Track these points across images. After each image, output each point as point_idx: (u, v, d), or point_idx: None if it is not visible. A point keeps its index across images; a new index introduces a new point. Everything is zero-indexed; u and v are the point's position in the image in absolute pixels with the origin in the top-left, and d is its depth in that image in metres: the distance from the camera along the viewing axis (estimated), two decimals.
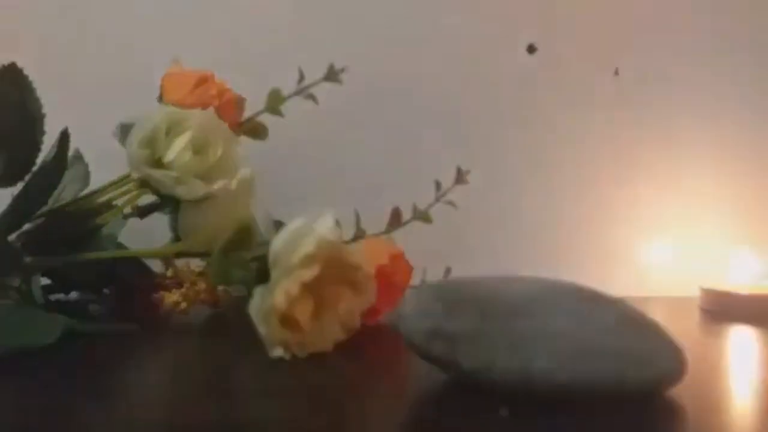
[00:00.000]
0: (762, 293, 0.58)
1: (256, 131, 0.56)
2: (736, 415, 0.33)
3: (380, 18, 0.68)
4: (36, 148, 0.48)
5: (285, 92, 0.56)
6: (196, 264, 0.53)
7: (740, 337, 0.51)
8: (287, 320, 0.40)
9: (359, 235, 0.54)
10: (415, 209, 0.56)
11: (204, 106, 0.51)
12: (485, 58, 0.68)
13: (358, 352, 0.44)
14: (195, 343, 0.50)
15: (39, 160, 0.48)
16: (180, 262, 0.53)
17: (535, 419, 0.31)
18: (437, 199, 0.56)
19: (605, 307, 0.35)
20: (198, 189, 0.49)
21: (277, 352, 0.40)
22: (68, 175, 0.51)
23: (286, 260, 0.40)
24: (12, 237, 0.48)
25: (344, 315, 0.43)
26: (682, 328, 0.52)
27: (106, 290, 0.54)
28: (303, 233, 0.41)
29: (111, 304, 0.54)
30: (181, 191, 0.48)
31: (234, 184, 0.50)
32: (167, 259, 0.53)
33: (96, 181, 0.53)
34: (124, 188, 0.51)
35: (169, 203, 0.51)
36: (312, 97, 0.56)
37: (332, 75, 0.56)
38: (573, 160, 0.69)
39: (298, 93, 0.56)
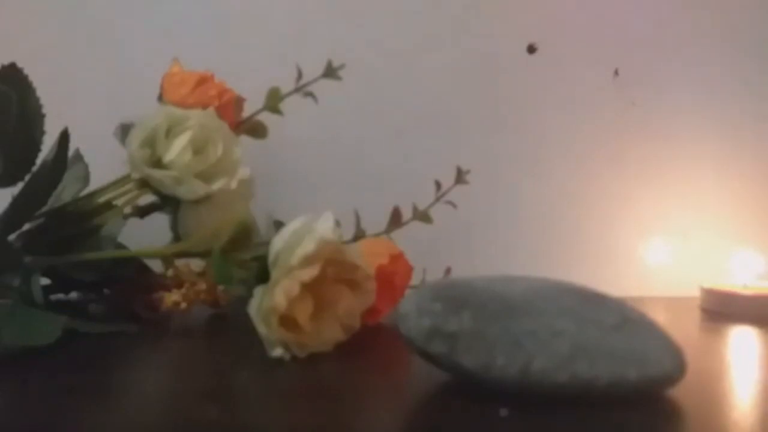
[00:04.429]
0: (762, 293, 0.58)
1: (256, 130, 0.56)
2: (735, 415, 0.33)
3: (380, 17, 0.68)
4: (36, 148, 0.48)
5: (284, 91, 0.56)
6: (196, 264, 0.53)
7: (740, 337, 0.51)
8: (287, 320, 0.40)
9: (359, 235, 0.54)
10: (415, 209, 0.56)
11: (204, 106, 0.51)
12: (485, 58, 0.68)
13: (358, 352, 0.44)
14: (195, 343, 0.50)
15: (39, 160, 0.48)
16: (180, 262, 0.53)
17: (535, 419, 0.31)
18: (437, 199, 0.56)
19: (605, 307, 0.35)
20: (198, 189, 0.49)
21: (277, 352, 0.40)
22: (68, 175, 0.51)
23: (286, 260, 0.40)
24: (12, 237, 0.48)
25: (344, 315, 0.43)
26: (682, 328, 0.52)
27: (106, 290, 0.54)
28: (303, 233, 0.41)
29: (111, 304, 0.54)
30: (181, 191, 0.49)
31: (234, 184, 0.50)
32: (167, 259, 0.53)
33: (96, 181, 0.53)
34: (124, 188, 0.51)
35: (169, 203, 0.51)
36: (311, 95, 0.56)
37: (330, 72, 0.56)
38: (573, 160, 0.69)
39: (297, 91, 0.56)
